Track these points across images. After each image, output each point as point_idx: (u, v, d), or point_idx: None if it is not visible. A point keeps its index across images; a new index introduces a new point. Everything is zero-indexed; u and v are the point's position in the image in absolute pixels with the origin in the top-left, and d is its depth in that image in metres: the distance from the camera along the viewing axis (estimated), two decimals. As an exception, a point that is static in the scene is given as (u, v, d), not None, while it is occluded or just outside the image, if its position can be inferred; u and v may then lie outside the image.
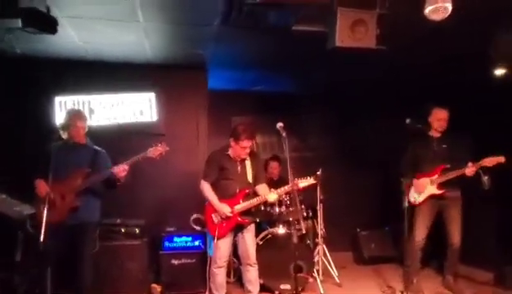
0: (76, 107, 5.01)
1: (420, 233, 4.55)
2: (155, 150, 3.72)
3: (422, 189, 4.52)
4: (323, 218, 5.34)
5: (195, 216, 4.85)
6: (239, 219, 4.01)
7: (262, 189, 4.13)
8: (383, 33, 3.53)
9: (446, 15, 2.91)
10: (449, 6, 2.87)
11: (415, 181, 4.59)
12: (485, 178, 4.32)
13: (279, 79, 6.20)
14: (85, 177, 3.58)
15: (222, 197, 4.02)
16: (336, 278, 5.06)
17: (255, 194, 4.11)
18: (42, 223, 3.09)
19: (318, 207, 5.21)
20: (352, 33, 3.46)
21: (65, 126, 3.65)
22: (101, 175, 3.62)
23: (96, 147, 3.83)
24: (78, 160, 3.58)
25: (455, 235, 4.52)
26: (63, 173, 3.46)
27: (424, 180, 4.53)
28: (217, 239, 3.98)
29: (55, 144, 3.66)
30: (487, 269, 4.94)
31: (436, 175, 4.48)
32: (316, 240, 5.26)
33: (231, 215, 3.96)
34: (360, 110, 6.52)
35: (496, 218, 5.09)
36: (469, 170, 4.26)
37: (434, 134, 4.66)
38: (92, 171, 3.61)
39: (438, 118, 4.58)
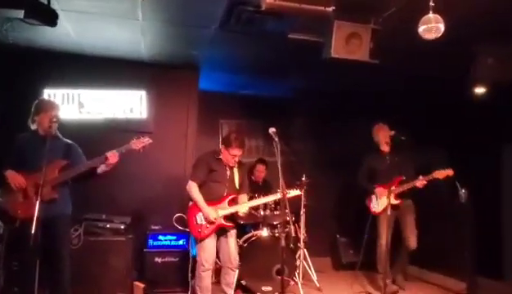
0: (66, 100, 4.98)
1: (384, 239, 4.86)
2: (138, 142, 3.68)
3: (384, 201, 4.79)
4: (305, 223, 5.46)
5: (178, 214, 4.88)
6: (223, 222, 4.06)
7: (242, 198, 4.25)
8: (376, 47, 3.67)
9: (439, 35, 3.04)
10: (441, 27, 3.01)
11: (378, 191, 4.93)
12: (462, 191, 4.60)
13: (269, 83, 6.29)
14: (61, 169, 3.50)
15: (209, 199, 4.06)
16: (316, 282, 5.17)
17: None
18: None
19: (301, 212, 5.33)
20: (347, 45, 3.58)
21: (35, 117, 3.55)
22: (81, 167, 3.54)
23: (67, 140, 3.73)
24: (50, 152, 3.26)
25: (412, 239, 4.90)
26: (34, 165, 3.30)
27: (384, 191, 4.81)
28: (201, 241, 4.01)
29: (22, 135, 3.59)
30: (461, 279, 5.12)
31: (393, 187, 4.75)
32: (298, 244, 5.36)
33: (215, 221, 4.00)
34: (344, 117, 6.65)
35: (471, 229, 5.29)
36: (420, 182, 4.66)
37: (385, 148, 5.02)
38: (68, 164, 3.55)
39: (384, 134, 4.95)
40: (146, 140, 3.71)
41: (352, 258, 6.17)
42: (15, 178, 3.42)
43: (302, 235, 5.32)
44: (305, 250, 5.35)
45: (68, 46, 4.74)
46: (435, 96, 5.64)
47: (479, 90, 5.19)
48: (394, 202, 4.75)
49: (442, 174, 4.56)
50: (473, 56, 4.33)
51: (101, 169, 3.67)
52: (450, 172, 4.53)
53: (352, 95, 6.38)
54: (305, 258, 5.34)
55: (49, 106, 3.59)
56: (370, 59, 3.64)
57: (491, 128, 5.16)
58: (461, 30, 3.52)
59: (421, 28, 3.06)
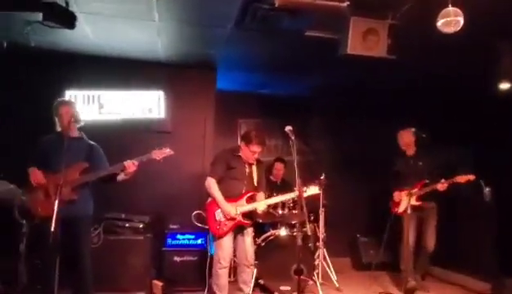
0: (86, 101, 5.07)
1: (408, 239, 4.78)
2: (160, 153, 3.69)
3: (405, 201, 4.78)
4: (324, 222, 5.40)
5: (196, 211, 4.90)
6: (241, 219, 4.05)
7: (259, 196, 4.24)
8: (393, 42, 3.60)
9: (458, 29, 2.97)
10: (461, 20, 2.93)
11: (396, 194, 4.98)
12: (486, 190, 4.53)
13: (285, 82, 6.27)
14: (82, 172, 3.54)
15: (227, 196, 4.05)
16: (335, 283, 5.11)
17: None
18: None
19: (320, 211, 5.28)
20: (364, 41, 3.53)
21: (55, 118, 3.61)
22: (101, 171, 3.59)
23: (91, 141, 3.78)
24: (72, 153, 3.37)
25: (430, 240, 4.91)
26: (56, 165, 3.32)
27: (405, 193, 4.81)
28: (219, 238, 4.02)
29: (47, 137, 3.66)
30: (485, 280, 4.98)
31: (416, 189, 4.74)
32: (317, 244, 5.31)
33: (235, 216, 4.00)
34: (364, 116, 6.59)
35: (495, 228, 5.15)
36: (442, 186, 4.60)
37: (409, 153, 5.02)
38: (90, 166, 3.58)
39: (407, 135, 4.94)
40: (168, 151, 3.73)
41: (372, 258, 6.06)
42: (34, 175, 3.49)
43: (321, 235, 5.28)
44: (324, 249, 5.30)
45: (87, 48, 4.83)
46: (454, 92, 5.53)
47: (504, 85, 5.06)
48: (415, 203, 4.73)
49: (463, 178, 4.51)
50: (495, 51, 4.20)
51: (121, 177, 3.72)
52: (471, 177, 4.49)
53: (369, 93, 6.31)
54: (324, 258, 5.29)
55: (64, 105, 3.64)
56: (387, 55, 3.57)
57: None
58: (480, 24, 3.43)
59: (440, 22, 3.01)
